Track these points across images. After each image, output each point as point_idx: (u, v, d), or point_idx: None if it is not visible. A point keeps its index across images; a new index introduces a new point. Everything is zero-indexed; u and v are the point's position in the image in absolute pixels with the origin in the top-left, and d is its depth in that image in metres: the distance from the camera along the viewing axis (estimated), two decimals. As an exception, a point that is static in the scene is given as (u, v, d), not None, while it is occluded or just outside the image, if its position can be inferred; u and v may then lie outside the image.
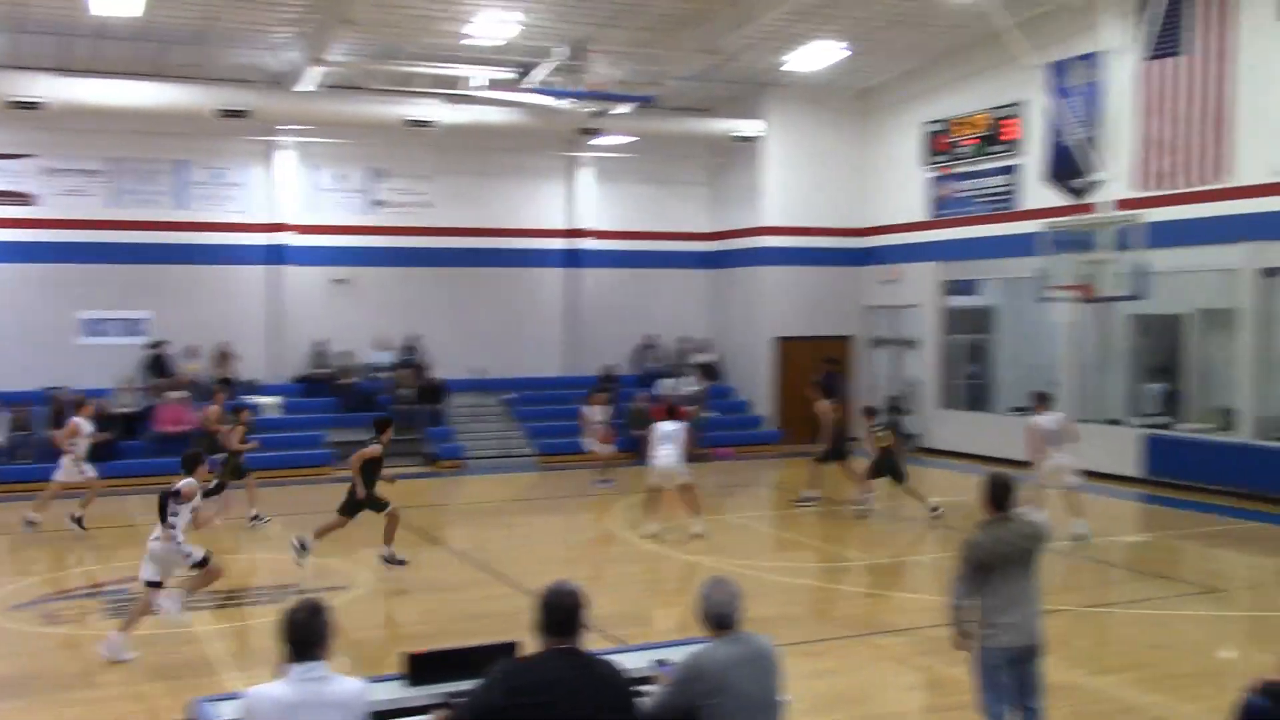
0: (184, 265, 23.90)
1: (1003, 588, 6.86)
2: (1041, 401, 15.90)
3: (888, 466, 16.84)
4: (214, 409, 18.24)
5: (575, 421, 22.67)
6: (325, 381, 24.13)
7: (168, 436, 21.19)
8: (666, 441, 15.40)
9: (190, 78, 22.03)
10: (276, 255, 24.58)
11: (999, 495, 6.98)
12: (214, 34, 20.27)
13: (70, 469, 16.32)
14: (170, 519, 10.37)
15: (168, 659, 10.16)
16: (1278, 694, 6.65)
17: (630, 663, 6.07)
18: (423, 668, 5.61)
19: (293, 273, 24.68)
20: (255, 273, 24.54)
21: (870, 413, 17.81)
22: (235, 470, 17.24)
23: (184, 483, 10.54)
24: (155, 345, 23.10)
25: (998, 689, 6.95)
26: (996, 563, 6.85)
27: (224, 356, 23.44)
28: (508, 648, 5.45)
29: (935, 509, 16.55)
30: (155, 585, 10.36)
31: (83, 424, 16.53)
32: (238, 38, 20.81)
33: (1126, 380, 22.16)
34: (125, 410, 21.57)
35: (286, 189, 24.58)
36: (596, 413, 21.31)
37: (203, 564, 10.62)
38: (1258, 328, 18.46)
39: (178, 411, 21.43)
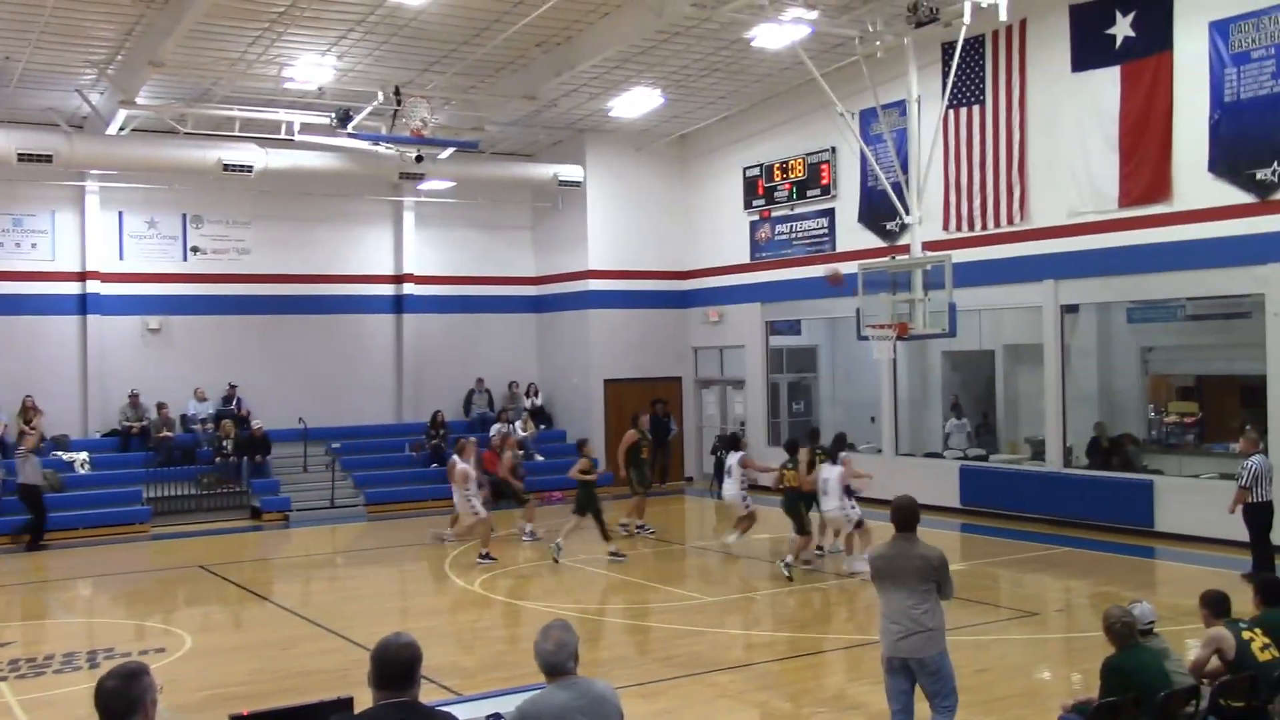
0: (-17, 316, 22.69)
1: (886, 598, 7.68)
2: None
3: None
4: None
5: (404, 469, 22.27)
6: (140, 435, 23.17)
7: (-33, 498, 20.04)
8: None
9: (-12, 121, 21.06)
10: (86, 305, 23.54)
11: (904, 519, 7.73)
12: (13, 75, 19.42)
13: None
14: None
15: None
16: (1089, 712, 7.01)
17: (466, 714, 5.99)
18: (251, 729, 5.40)
19: (104, 322, 23.68)
20: (64, 323, 23.45)
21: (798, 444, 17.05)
22: None
23: None
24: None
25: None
26: (879, 575, 7.73)
27: (28, 410, 22.30)
28: (342, 703, 5.31)
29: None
30: None
31: None
32: (39, 79, 19.98)
33: (943, 415, 23.06)
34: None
35: (96, 236, 23.61)
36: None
37: None
38: (1060, 361, 19.42)
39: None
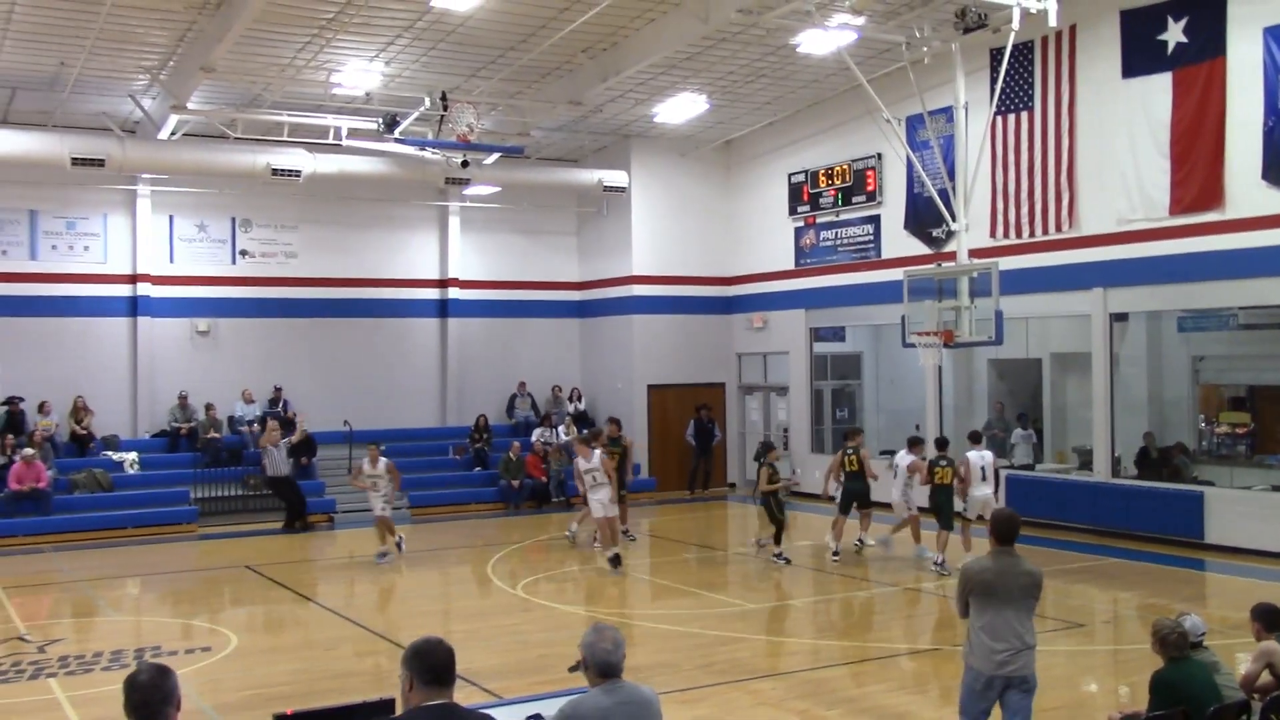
0: (37, 318, 23.01)
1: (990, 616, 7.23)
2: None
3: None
4: None
5: (448, 473, 22.36)
6: (188, 436, 23.43)
7: (19, 495, 20.34)
8: None
9: (42, 125, 21.38)
10: (136, 307, 23.85)
11: (1008, 532, 7.35)
12: (68, 80, 19.72)
13: None
14: None
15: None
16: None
17: (506, 717, 6.00)
18: (293, 729, 5.43)
19: (154, 324, 23.98)
20: (115, 325, 23.76)
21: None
22: None
23: None
24: (7, 402, 22.18)
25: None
26: (984, 591, 7.24)
27: (79, 410, 22.66)
28: (385, 705, 5.33)
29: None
30: None
31: None
32: (93, 84, 20.30)
33: (988, 423, 22.84)
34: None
35: (146, 239, 23.92)
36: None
37: None
38: (1109, 370, 19.20)
39: (33, 470, 20.56)
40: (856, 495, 17.49)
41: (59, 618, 14.73)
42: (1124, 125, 18.42)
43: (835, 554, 17.10)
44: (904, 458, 17.38)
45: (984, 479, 16.56)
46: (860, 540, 17.70)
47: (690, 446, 26.04)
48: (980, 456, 16.79)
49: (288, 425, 23.76)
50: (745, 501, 24.03)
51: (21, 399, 22.29)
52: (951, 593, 9.78)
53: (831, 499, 17.83)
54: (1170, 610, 13.25)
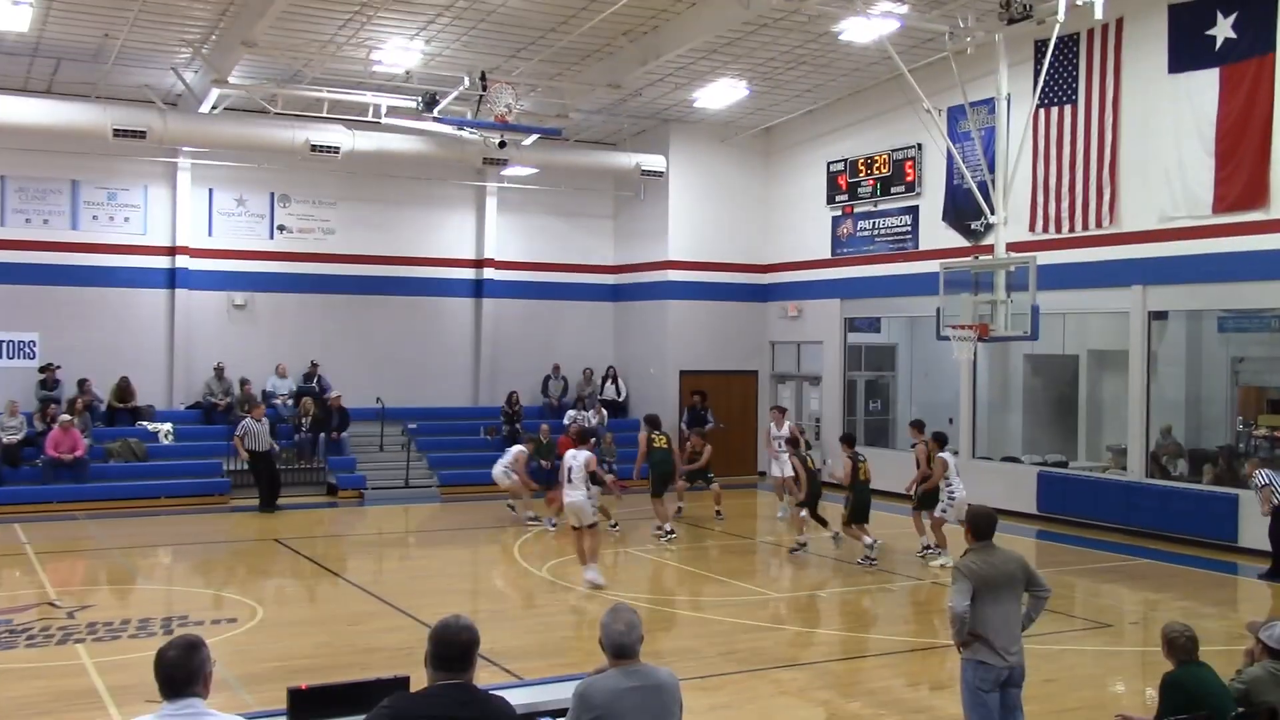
0: (77, 287, 23.22)
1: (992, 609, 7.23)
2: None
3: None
4: None
5: (478, 452, 22.40)
6: (223, 409, 23.61)
7: (58, 463, 20.58)
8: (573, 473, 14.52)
9: (85, 96, 21.55)
10: (175, 279, 24.04)
11: (988, 526, 7.43)
12: (111, 52, 19.86)
13: None
14: None
15: (59, 686, 9.84)
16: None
17: (528, 698, 6.01)
18: (306, 703, 5.44)
19: (191, 297, 24.16)
20: (152, 296, 23.97)
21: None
22: None
23: None
24: (46, 369, 22.45)
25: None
26: (986, 586, 7.22)
27: (122, 390, 22.94)
28: (399, 682, 5.34)
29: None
30: None
31: None
32: (136, 56, 20.42)
33: (1023, 419, 22.67)
34: (11, 436, 20.88)
35: (186, 212, 24.09)
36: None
37: None
38: (1146, 369, 18.99)
39: (70, 437, 20.79)
40: (866, 506, 16.83)
41: (90, 584, 14.91)
42: (1169, 121, 18.17)
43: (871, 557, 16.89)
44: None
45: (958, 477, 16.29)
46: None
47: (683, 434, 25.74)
48: (953, 457, 16.60)
49: (322, 400, 23.93)
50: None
51: (58, 366, 22.54)
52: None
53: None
54: (1201, 613, 13.14)
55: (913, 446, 17.59)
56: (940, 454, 16.34)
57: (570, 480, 14.50)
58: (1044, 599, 7.55)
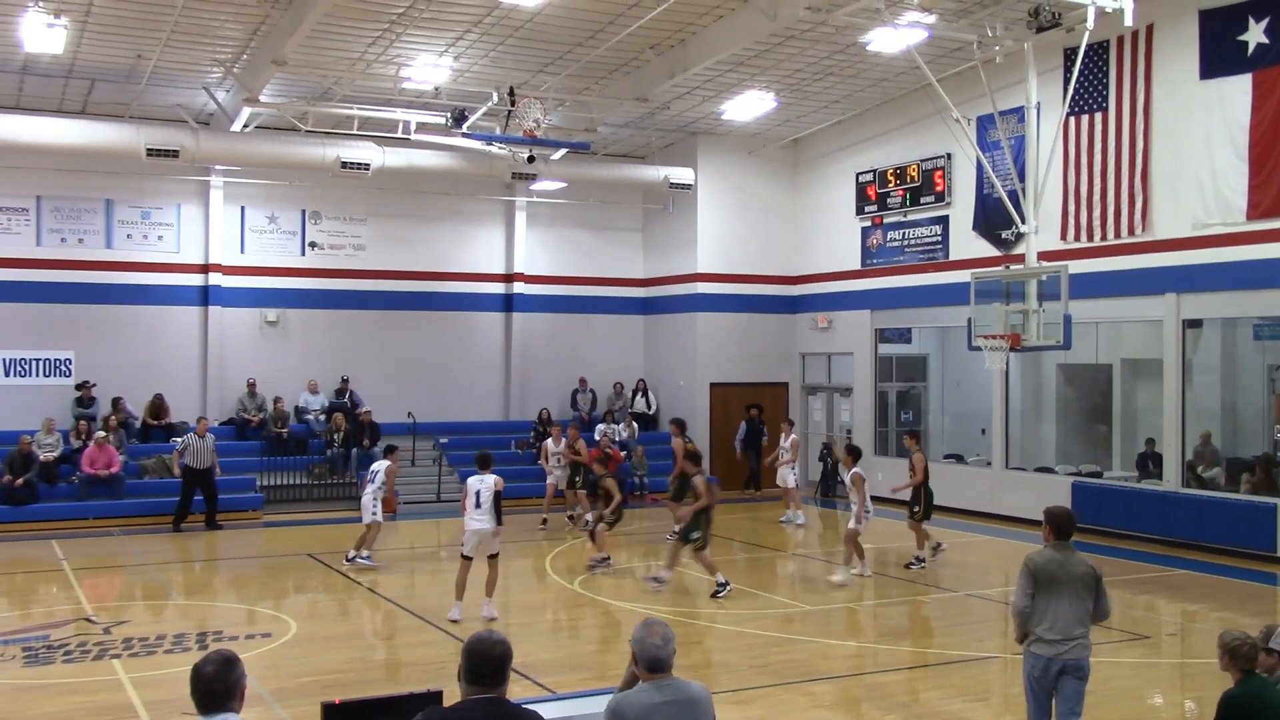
0: (112, 305, 23.49)
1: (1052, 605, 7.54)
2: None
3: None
4: None
5: (510, 466, 22.41)
6: (257, 426, 23.77)
7: (94, 479, 20.76)
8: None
9: (119, 116, 21.79)
10: (208, 296, 24.24)
11: (1066, 527, 7.70)
12: (144, 72, 20.08)
13: None
14: None
15: (96, 701, 9.91)
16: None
17: (560, 712, 6.00)
18: (340, 718, 5.45)
19: (224, 314, 24.36)
20: (186, 313, 24.18)
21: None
22: None
23: None
24: (82, 386, 22.68)
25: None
26: (1048, 582, 7.53)
27: (157, 407, 23.14)
28: (432, 696, 5.34)
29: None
30: None
31: None
32: (168, 76, 20.65)
33: (1056, 428, 22.50)
34: (48, 453, 21.10)
35: (218, 229, 24.30)
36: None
37: None
38: (1181, 378, 18.82)
39: (105, 454, 20.98)
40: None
41: (126, 600, 15.02)
42: (1201, 127, 18.04)
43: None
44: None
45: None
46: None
47: (735, 451, 25.84)
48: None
49: (353, 416, 24.04)
50: (807, 502, 23.85)
51: (94, 384, 22.77)
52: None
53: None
54: (1238, 624, 12.97)
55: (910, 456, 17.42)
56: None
57: (479, 506, 13.24)
58: (1099, 619, 7.77)
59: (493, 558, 13.35)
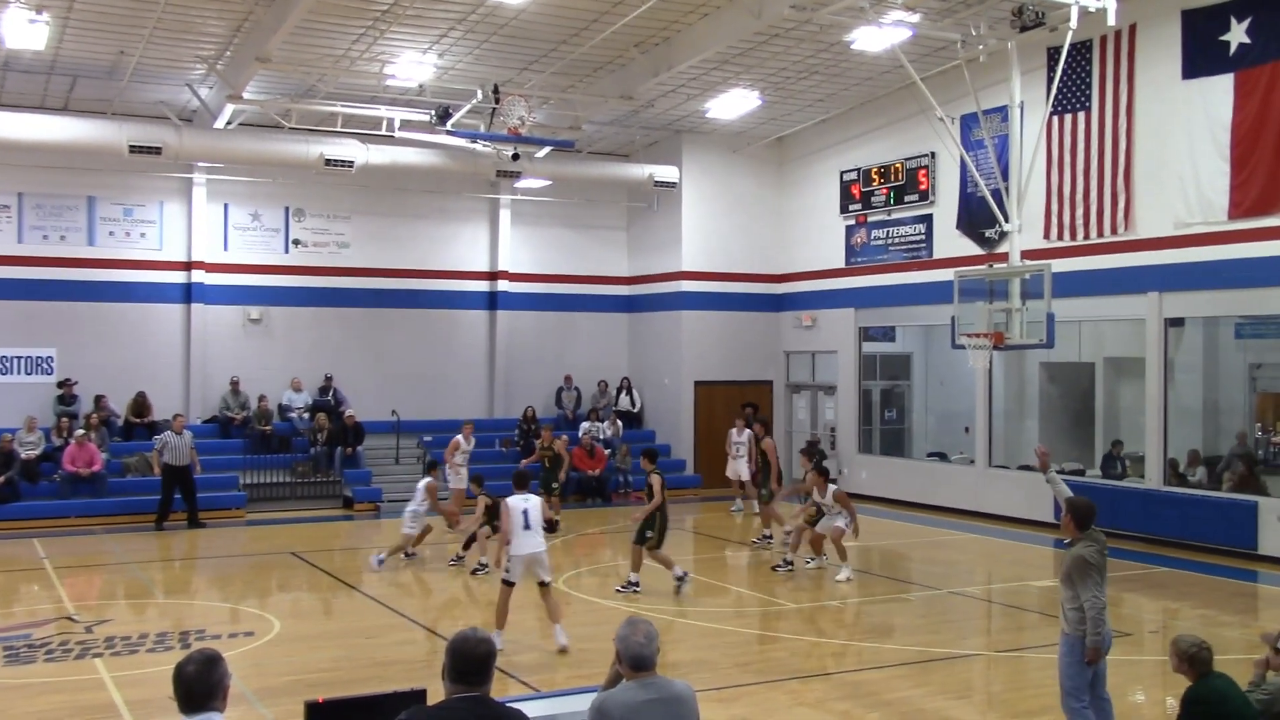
0: (94, 303, 23.36)
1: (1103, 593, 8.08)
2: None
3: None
4: None
5: (494, 465, 22.41)
6: (240, 423, 23.69)
7: (75, 478, 20.65)
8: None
9: (101, 113, 21.68)
10: (191, 294, 24.14)
11: (1089, 516, 8.21)
12: (127, 69, 19.98)
13: None
14: None
15: (78, 700, 9.86)
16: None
17: (543, 710, 5.99)
18: (323, 717, 5.43)
19: (207, 311, 24.26)
20: (169, 311, 24.07)
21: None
22: None
23: None
24: (64, 384, 22.57)
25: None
26: (1100, 572, 8.09)
27: (139, 405, 23.02)
28: (415, 695, 5.33)
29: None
30: None
31: None
32: (151, 73, 20.55)
33: (1039, 427, 22.57)
34: (29, 451, 20.98)
35: (201, 227, 24.20)
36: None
37: None
38: (1163, 376, 18.91)
39: (86, 452, 20.88)
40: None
41: (108, 599, 14.95)
42: (1183, 127, 18.13)
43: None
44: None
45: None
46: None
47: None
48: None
49: (336, 415, 24.00)
50: (791, 501, 23.87)
51: (76, 382, 22.66)
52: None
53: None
54: (1221, 621, 13.05)
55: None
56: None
57: (528, 527, 11.97)
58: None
59: (544, 585, 12.00)
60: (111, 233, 23.71)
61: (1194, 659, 6.91)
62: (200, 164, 23.46)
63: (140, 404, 23.09)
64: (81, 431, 21.15)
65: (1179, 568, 16.84)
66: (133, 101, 21.94)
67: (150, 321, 23.94)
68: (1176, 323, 19.21)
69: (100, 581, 16.33)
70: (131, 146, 20.26)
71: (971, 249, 21.52)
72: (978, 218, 21.16)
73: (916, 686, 10.91)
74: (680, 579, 14.69)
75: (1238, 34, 17.31)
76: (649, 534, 14.67)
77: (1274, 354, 19.83)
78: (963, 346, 17.13)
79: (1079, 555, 8.08)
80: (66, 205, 23.27)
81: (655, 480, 14.85)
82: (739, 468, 21.42)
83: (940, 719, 9.76)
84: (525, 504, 11.94)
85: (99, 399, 22.67)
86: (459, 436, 20.11)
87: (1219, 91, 17.60)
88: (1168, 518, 18.41)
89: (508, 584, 11.94)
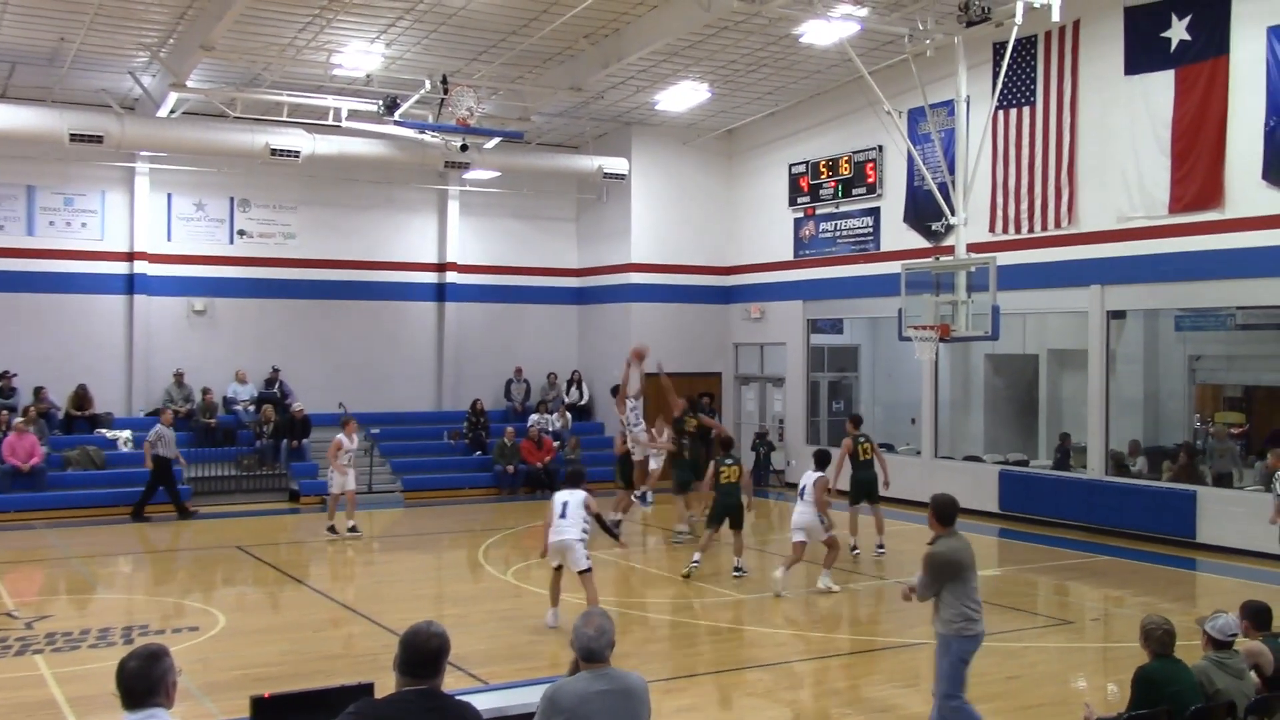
0: (33, 294, 22.94)
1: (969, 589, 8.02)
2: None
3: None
4: None
5: (442, 457, 22.33)
6: (184, 416, 23.39)
7: (15, 471, 20.30)
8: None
9: (41, 100, 21.30)
10: (133, 285, 23.79)
11: (951, 513, 8.11)
12: (67, 56, 19.64)
13: None
14: None
15: (18, 698, 9.72)
16: (1118, 720, 6.93)
17: (494, 702, 6.00)
18: (270, 711, 5.40)
19: (150, 302, 23.92)
20: (111, 302, 23.70)
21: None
22: None
23: None
24: (2, 376, 22.16)
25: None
26: (959, 569, 7.98)
27: (80, 398, 22.67)
28: (363, 689, 5.31)
29: None
30: None
31: None
32: (92, 60, 20.21)
33: (984, 418, 22.84)
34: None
35: (144, 217, 23.84)
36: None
37: None
38: (1105, 368, 19.18)
39: (25, 442, 20.52)
40: (868, 484, 17.33)
41: (49, 595, 14.73)
42: (1125, 122, 18.38)
43: (854, 549, 16.95)
44: (810, 476, 14.86)
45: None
46: (881, 545, 17.11)
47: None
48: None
49: (282, 407, 23.77)
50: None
51: (14, 374, 22.26)
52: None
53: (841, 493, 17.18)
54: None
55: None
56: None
57: (565, 517, 12.23)
58: None
59: (584, 573, 12.09)
60: (52, 222, 23.30)
61: (1150, 636, 7.03)
62: (143, 153, 23.11)
63: (81, 396, 22.76)
64: (20, 419, 20.78)
65: (1120, 556, 17.11)
66: (73, 89, 21.57)
67: (92, 313, 23.57)
68: (1118, 315, 19.49)
69: (41, 577, 16.08)
70: (72, 135, 19.95)
71: (918, 242, 21.71)
72: (924, 211, 21.33)
73: (863, 675, 11.01)
74: (694, 564, 15.45)
75: (1178, 31, 17.58)
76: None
77: (1213, 346, 20.19)
78: (909, 339, 17.27)
79: (936, 551, 8.03)
80: (5, 194, 22.83)
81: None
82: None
83: (887, 707, 9.86)
84: (568, 496, 12.43)
85: (38, 391, 22.30)
86: (341, 435, 19.00)
87: (1160, 87, 17.86)
88: (1109, 507, 18.70)
89: (555, 569, 12.61)
